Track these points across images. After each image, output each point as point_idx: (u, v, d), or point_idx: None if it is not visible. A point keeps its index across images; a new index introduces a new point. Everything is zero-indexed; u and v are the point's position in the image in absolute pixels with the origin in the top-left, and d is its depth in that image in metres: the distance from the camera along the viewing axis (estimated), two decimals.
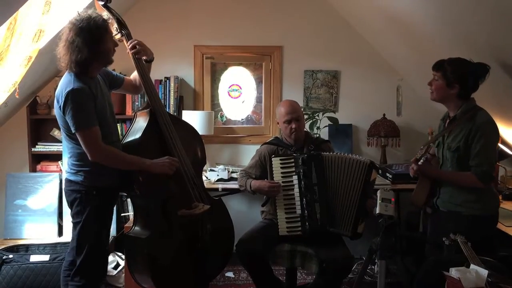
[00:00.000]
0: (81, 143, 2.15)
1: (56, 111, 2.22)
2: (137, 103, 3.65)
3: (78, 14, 2.19)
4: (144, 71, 2.46)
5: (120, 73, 3.47)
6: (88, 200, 2.24)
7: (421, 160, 2.43)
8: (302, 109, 2.97)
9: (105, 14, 2.23)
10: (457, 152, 2.32)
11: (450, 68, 2.31)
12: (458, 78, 2.30)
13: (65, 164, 2.34)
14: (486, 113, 2.32)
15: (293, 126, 2.77)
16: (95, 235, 2.28)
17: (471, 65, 2.30)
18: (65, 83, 2.18)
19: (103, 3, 2.37)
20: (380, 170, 3.66)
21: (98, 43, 2.17)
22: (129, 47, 2.43)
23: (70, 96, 2.11)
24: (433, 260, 2.28)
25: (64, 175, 2.39)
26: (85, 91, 2.15)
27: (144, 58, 2.49)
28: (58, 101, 2.18)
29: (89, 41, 2.13)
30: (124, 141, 2.42)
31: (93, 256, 2.28)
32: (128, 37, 2.46)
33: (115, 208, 3.40)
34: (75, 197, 2.26)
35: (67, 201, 2.33)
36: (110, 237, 3.35)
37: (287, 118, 2.77)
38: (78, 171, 2.26)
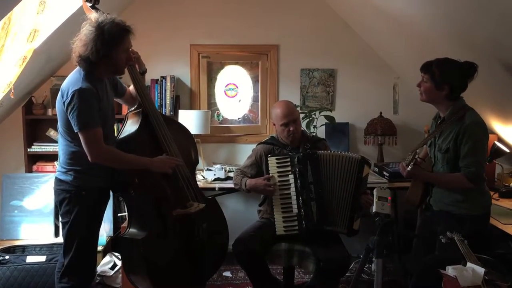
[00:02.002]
0: (82, 143, 2.14)
1: (59, 105, 2.20)
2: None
3: (105, 15, 2.18)
4: (134, 72, 2.44)
5: None
6: (77, 200, 2.23)
7: (410, 166, 2.42)
8: (297, 109, 2.96)
9: (94, 15, 2.21)
10: (447, 153, 2.33)
11: (438, 71, 2.30)
12: (447, 80, 2.29)
13: None
14: (474, 114, 2.32)
15: (291, 128, 2.76)
16: (83, 236, 2.26)
17: (459, 65, 2.29)
18: (73, 81, 2.16)
19: (91, 4, 2.35)
20: (376, 168, 3.67)
21: (108, 46, 2.14)
22: None
23: (77, 95, 2.09)
24: (430, 258, 2.29)
25: None
26: (92, 92, 2.14)
27: (137, 67, 2.47)
28: (63, 96, 2.16)
29: (102, 43, 2.11)
30: (117, 141, 2.40)
31: (80, 257, 2.26)
32: None
33: (111, 208, 3.41)
34: (64, 197, 2.24)
35: (56, 200, 2.31)
36: (107, 237, 3.36)
37: (284, 121, 2.76)
38: (68, 171, 2.24)
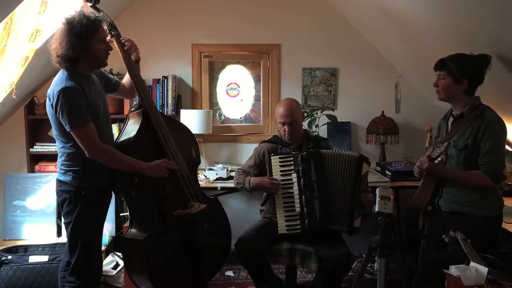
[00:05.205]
0: (77, 141, 2.15)
1: (48, 109, 2.21)
2: (135, 103, 3.62)
3: (75, 11, 2.19)
4: (135, 71, 2.44)
5: (118, 73, 3.49)
6: (77, 200, 2.24)
7: (439, 159, 2.34)
8: (301, 108, 2.95)
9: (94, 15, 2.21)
10: (465, 150, 2.28)
11: (454, 65, 2.29)
12: (465, 72, 2.28)
13: None
14: (493, 111, 2.30)
15: (286, 129, 2.77)
16: (86, 235, 2.28)
17: (472, 57, 2.29)
18: (57, 82, 2.17)
19: (91, 4, 2.35)
20: (378, 167, 3.67)
21: (85, 40, 2.14)
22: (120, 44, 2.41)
23: (62, 95, 2.10)
24: (432, 258, 2.27)
25: None
26: (76, 89, 2.14)
27: (133, 56, 2.47)
28: (49, 99, 2.17)
29: (76, 36, 2.11)
30: (117, 142, 2.40)
31: (86, 255, 2.28)
32: (118, 38, 2.44)
33: (113, 208, 3.41)
34: (65, 197, 2.26)
35: (58, 201, 2.33)
36: (109, 237, 3.36)
37: (281, 120, 2.78)
38: (67, 171, 2.26)
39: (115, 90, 2.56)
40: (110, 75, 2.54)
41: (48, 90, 2.20)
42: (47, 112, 2.24)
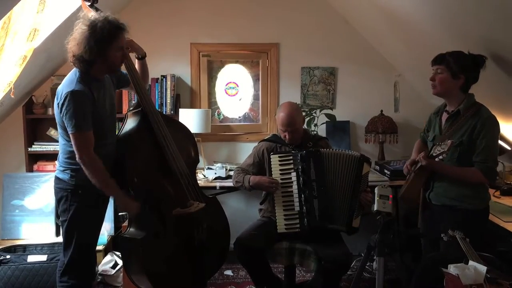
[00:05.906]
0: (73, 143, 2.16)
1: (55, 106, 2.22)
2: (134, 102, 3.62)
3: (99, 13, 2.18)
4: (132, 71, 2.43)
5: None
6: (74, 198, 2.25)
7: (440, 157, 2.34)
8: (301, 108, 2.94)
9: (92, 14, 2.20)
10: (460, 147, 2.31)
11: (452, 60, 2.32)
12: (462, 67, 2.31)
13: None
14: (487, 109, 2.33)
15: (287, 136, 2.78)
16: (80, 235, 2.27)
17: (470, 55, 2.33)
18: (67, 82, 2.17)
19: (89, 3, 2.34)
20: (377, 166, 3.67)
21: (104, 46, 2.14)
22: None
23: (69, 97, 2.10)
24: (431, 257, 2.28)
25: None
26: (85, 94, 2.14)
27: (135, 55, 2.47)
28: (57, 98, 2.18)
29: (95, 41, 2.11)
30: (116, 142, 2.40)
31: (79, 255, 2.27)
32: None
33: (112, 207, 3.41)
34: (62, 195, 2.27)
35: (56, 199, 2.34)
36: (108, 236, 3.36)
37: (282, 128, 2.78)
38: (66, 169, 2.26)
39: (127, 85, 2.56)
40: (123, 71, 2.53)
41: (58, 88, 2.20)
42: (54, 110, 2.24)
